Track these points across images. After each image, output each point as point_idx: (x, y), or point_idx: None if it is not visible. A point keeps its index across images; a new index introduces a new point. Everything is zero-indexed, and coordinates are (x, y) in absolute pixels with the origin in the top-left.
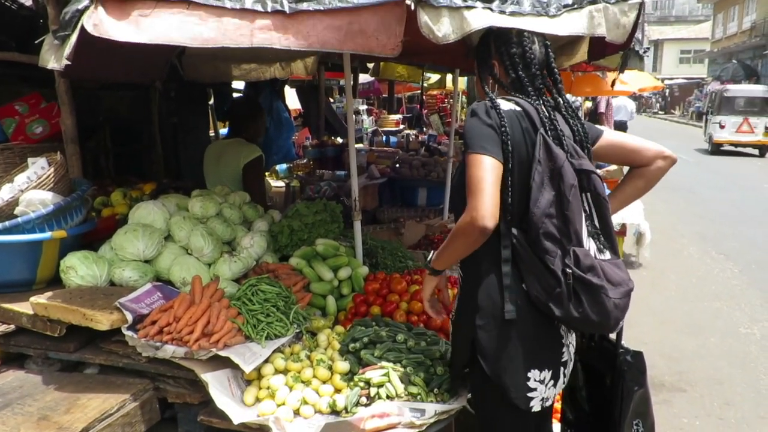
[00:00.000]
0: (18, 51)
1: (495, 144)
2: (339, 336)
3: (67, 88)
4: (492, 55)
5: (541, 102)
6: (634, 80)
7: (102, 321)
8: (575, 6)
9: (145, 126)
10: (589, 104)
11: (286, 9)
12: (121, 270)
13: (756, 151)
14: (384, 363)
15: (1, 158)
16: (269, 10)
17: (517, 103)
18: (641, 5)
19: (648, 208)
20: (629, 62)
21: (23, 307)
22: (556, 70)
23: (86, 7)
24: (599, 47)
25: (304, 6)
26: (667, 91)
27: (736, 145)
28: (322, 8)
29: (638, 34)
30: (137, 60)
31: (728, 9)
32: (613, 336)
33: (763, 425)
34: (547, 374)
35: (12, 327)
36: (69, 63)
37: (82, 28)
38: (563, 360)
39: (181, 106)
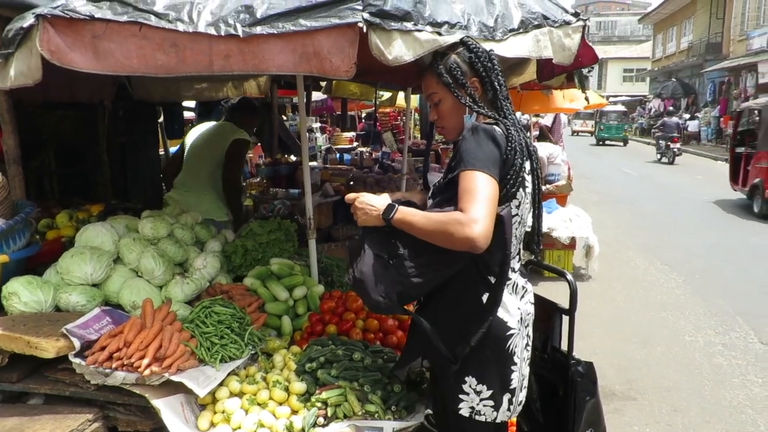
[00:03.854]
0: None
1: (497, 167)
2: (295, 356)
3: (9, 107)
4: (468, 74)
5: (512, 120)
6: (580, 98)
7: (47, 349)
8: (521, 30)
9: (92, 146)
10: (541, 120)
11: (240, 33)
12: (67, 295)
13: None
14: (341, 382)
15: None
16: (222, 33)
17: (505, 126)
18: (584, 27)
19: (595, 221)
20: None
21: None
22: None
23: (32, 26)
24: (548, 68)
25: (258, 30)
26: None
27: None
28: (275, 32)
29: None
30: (84, 79)
31: (667, 30)
32: (564, 347)
33: (708, 430)
34: (484, 389)
35: None
36: (14, 84)
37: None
38: (511, 387)
39: (130, 125)
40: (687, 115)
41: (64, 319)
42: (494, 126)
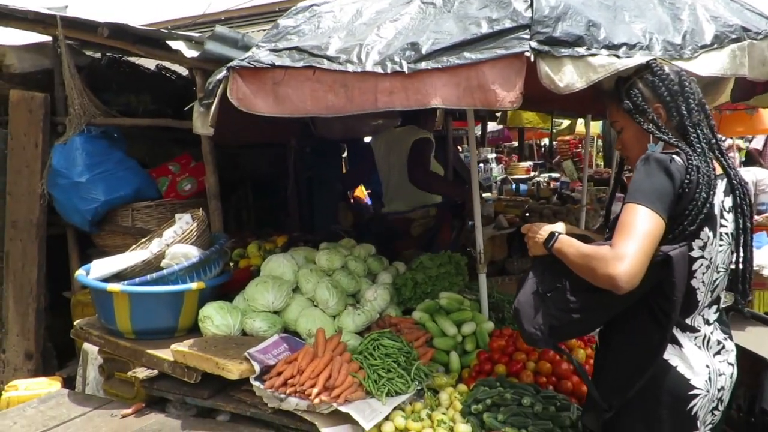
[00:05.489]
0: (172, 116)
1: (666, 201)
2: (461, 395)
3: (210, 149)
4: (651, 99)
5: (702, 149)
6: None
7: (232, 370)
8: (715, 46)
9: (282, 181)
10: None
11: (405, 69)
12: (252, 320)
13: None
14: (508, 429)
15: (155, 213)
16: (389, 71)
17: (686, 156)
18: None
19: None
20: None
21: (165, 354)
22: (707, 106)
23: (225, 77)
24: (746, 86)
25: (423, 65)
26: None
27: None
28: (440, 66)
29: None
30: (274, 123)
31: None
32: None
33: None
34: None
35: (155, 372)
36: (213, 129)
37: (222, 97)
38: None
39: (316, 161)
40: None
41: (247, 343)
42: (673, 155)
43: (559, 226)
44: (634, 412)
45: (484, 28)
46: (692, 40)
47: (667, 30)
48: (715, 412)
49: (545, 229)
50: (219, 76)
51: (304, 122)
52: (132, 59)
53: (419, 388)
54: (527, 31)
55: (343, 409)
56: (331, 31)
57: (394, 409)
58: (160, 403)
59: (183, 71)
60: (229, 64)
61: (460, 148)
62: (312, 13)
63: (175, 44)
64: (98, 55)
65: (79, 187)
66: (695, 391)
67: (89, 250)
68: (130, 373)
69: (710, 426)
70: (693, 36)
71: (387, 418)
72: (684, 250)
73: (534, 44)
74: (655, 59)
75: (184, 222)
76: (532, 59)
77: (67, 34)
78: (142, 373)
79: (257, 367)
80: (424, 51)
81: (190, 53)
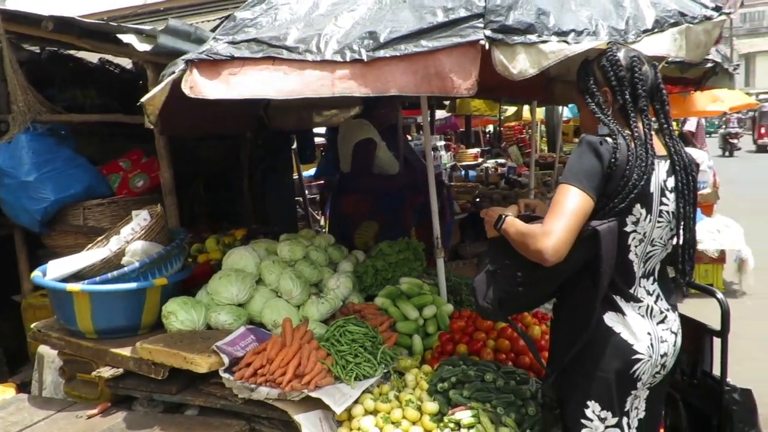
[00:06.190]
0: (121, 111)
1: (595, 180)
2: (426, 376)
3: (165, 144)
4: (601, 82)
5: (640, 133)
6: (726, 98)
7: (201, 364)
8: (656, 30)
9: (235, 173)
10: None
11: (364, 57)
12: (216, 314)
13: None
14: (473, 403)
15: (108, 211)
16: (348, 59)
17: (621, 137)
18: (724, 22)
19: (748, 232)
20: (719, 81)
21: (130, 352)
22: (664, 91)
23: (183, 71)
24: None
25: (381, 53)
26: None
27: None
28: (398, 54)
29: (725, 51)
30: (229, 115)
31: None
32: (716, 372)
33: None
34: (609, 416)
35: (120, 371)
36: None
37: (175, 89)
38: (626, 409)
39: (268, 153)
40: None
41: (214, 336)
42: (607, 137)
43: (512, 209)
44: (583, 375)
45: (440, 17)
46: (635, 24)
47: (611, 16)
48: (657, 375)
49: (497, 213)
50: (174, 69)
51: (257, 114)
52: (72, 52)
53: (386, 371)
54: (481, 19)
55: (314, 394)
56: (288, 22)
57: (363, 392)
58: (126, 402)
59: (127, 64)
60: (187, 57)
61: (409, 137)
62: (269, 5)
63: (126, 38)
64: (37, 49)
65: (27, 187)
66: (638, 356)
67: (39, 252)
68: (94, 373)
69: (648, 385)
70: (636, 21)
71: (357, 401)
72: (612, 225)
73: (488, 32)
74: (613, 44)
75: (142, 219)
76: (487, 47)
77: (7, 28)
78: (107, 372)
79: (226, 360)
80: (382, 39)
81: (143, 47)
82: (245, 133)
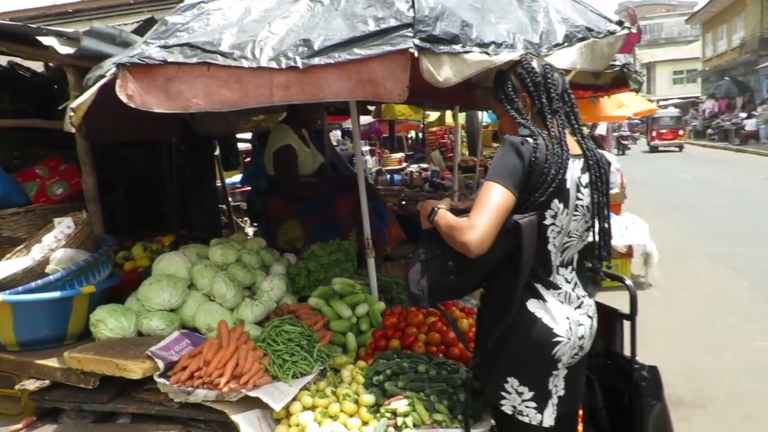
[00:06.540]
0: (35, 116)
1: (516, 178)
2: (362, 371)
3: (87, 150)
4: (519, 89)
5: (556, 133)
6: (630, 104)
7: (135, 370)
8: (565, 44)
9: (158, 180)
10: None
11: (299, 65)
12: (148, 320)
13: None
14: (408, 393)
15: (24, 220)
16: (284, 66)
17: (540, 138)
18: (627, 35)
19: (652, 228)
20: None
21: (57, 362)
22: (572, 96)
23: (114, 74)
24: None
25: (316, 61)
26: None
27: None
28: (332, 61)
29: (629, 59)
30: (156, 119)
31: (717, 28)
32: (627, 353)
33: None
34: (525, 390)
35: (46, 382)
36: (79, 125)
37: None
38: (548, 388)
39: (191, 160)
40: (743, 114)
41: (147, 342)
42: (527, 138)
43: (444, 203)
44: (506, 356)
45: (371, 26)
46: (547, 39)
47: (527, 30)
48: (575, 356)
49: (431, 205)
50: (100, 72)
51: (183, 119)
52: None
53: (322, 368)
54: (410, 29)
55: (252, 394)
56: (221, 27)
57: (301, 389)
58: (53, 414)
59: (38, 68)
60: (116, 60)
61: (335, 142)
62: (200, 10)
63: (46, 40)
64: None
65: None
66: (558, 339)
67: None
68: (17, 387)
69: (568, 365)
70: (548, 36)
71: (295, 398)
72: (533, 219)
73: (417, 41)
74: (526, 54)
75: (65, 226)
76: (416, 55)
77: None
78: (32, 385)
79: (161, 364)
80: (316, 47)
81: (65, 50)
82: (171, 139)
